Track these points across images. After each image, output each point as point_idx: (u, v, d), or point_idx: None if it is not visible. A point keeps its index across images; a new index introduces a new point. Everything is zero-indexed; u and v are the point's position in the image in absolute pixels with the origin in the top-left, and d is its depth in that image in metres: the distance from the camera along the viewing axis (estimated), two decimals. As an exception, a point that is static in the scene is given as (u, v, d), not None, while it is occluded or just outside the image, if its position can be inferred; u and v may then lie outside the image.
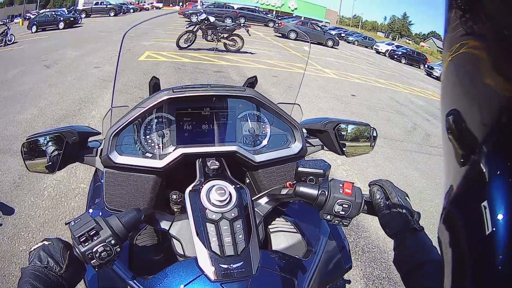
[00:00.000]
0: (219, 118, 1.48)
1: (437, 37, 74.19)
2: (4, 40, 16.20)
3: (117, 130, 1.31)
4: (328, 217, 1.08)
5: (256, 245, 1.07)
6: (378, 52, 35.84)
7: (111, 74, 9.22)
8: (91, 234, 0.93)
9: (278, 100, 1.65)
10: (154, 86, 1.76)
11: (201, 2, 54.51)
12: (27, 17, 30.39)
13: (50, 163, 1.33)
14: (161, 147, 1.41)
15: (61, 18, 24.35)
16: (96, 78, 9.29)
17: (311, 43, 2.20)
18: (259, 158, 1.44)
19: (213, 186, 1.15)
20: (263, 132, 1.54)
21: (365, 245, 3.65)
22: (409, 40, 78.28)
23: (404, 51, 33.68)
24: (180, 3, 61.17)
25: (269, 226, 1.41)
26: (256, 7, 54.27)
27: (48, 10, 32.07)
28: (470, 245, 0.41)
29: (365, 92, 12.17)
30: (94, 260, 0.93)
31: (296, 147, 1.51)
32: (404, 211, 1.06)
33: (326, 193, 1.06)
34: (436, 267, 0.91)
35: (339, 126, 1.59)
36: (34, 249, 0.94)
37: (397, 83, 16.49)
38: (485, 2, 0.39)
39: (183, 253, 1.13)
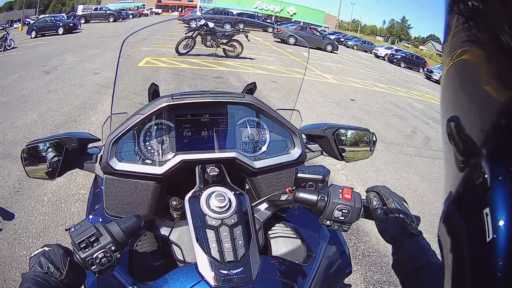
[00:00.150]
0: (218, 124, 1.48)
1: (436, 40, 74.27)
2: (3, 45, 16.26)
3: (117, 136, 1.32)
4: (328, 222, 1.08)
5: (256, 251, 1.07)
6: (377, 56, 35.82)
7: (111, 80, 9.24)
8: (91, 240, 0.94)
9: (278, 105, 1.65)
10: (154, 92, 1.76)
11: (200, 8, 54.69)
12: (26, 22, 30.48)
13: (50, 169, 1.33)
14: (160, 154, 1.41)
15: (60, 24, 24.49)
16: (96, 84, 9.30)
17: (310, 48, 2.20)
18: (258, 164, 1.44)
19: (213, 192, 1.15)
20: (263, 138, 1.54)
21: (365, 249, 3.65)
22: (408, 43, 78.33)
23: (403, 55, 33.67)
24: (179, 9, 61.32)
25: (269, 232, 1.41)
26: (255, 12, 54.52)
27: (47, 15, 32.25)
28: (471, 251, 0.40)
29: (364, 97, 12.18)
30: (94, 266, 0.93)
31: (295, 153, 1.51)
32: (401, 216, 1.06)
33: (326, 198, 1.07)
34: (435, 270, 0.91)
35: (339, 131, 1.59)
36: (35, 254, 0.95)
37: (397, 87, 16.51)
38: (486, 9, 0.39)
39: (183, 259, 1.13)
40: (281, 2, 65.58)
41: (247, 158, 1.44)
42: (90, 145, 1.48)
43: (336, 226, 1.09)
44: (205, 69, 12.10)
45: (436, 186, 5.64)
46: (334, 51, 28.44)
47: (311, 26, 35.28)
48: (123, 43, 1.70)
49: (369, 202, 1.13)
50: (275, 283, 1.07)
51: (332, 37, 37.06)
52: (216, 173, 1.27)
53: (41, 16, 32.65)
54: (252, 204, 1.24)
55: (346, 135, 1.62)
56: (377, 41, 64.73)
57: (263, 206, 1.25)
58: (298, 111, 1.79)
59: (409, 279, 0.96)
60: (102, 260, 0.93)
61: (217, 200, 1.12)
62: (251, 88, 1.82)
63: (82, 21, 31.95)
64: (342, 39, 43.17)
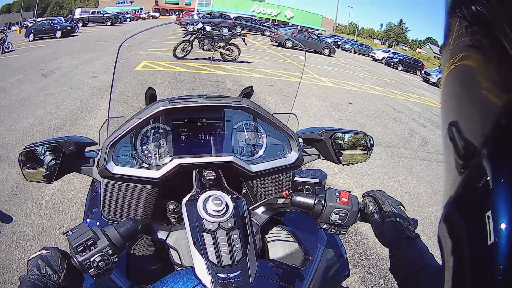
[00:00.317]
0: (215, 128, 1.48)
1: (433, 43, 74.43)
2: (1, 48, 16.30)
3: (114, 140, 1.32)
4: (325, 226, 1.08)
5: (253, 254, 1.07)
6: (374, 60, 35.91)
7: (108, 84, 9.24)
8: (88, 244, 0.94)
9: (275, 109, 1.66)
10: (151, 96, 1.77)
11: (197, 11, 54.72)
12: (24, 25, 30.52)
13: (48, 172, 1.33)
14: (157, 158, 1.41)
15: (58, 27, 24.51)
16: (93, 87, 9.29)
17: (308, 51, 2.21)
18: (255, 168, 1.44)
19: (210, 196, 1.15)
20: (260, 142, 1.54)
21: (363, 252, 3.65)
22: (405, 46, 78.51)
23: (401, 57, 33.82)
24: (177, 13, 61.43)
25: (266, 236, 1.42)
26: (252, 16, 54.70)
27: (45, 18, 32.25)
28: (472, 254, 0.40)
29: (361, 100, 12.20)
30: (92, 270, 0.94)
31: (292, 156, 1.51)
32: (398, 220, 1.06)
33: (323, 202, 1.07)
34: (433, 273, 0.91)
35: (336, 135, 1.59)
36: (32, 258, 0.95)
37: (394, 90, 16.54)
38: (490, 14, 0.38)
39: (180, 263, 1.13)
40: (278, 5, 65.78)
41: (244, 162, 1.44)
42: (87, 149, 1.48)
43: (333, 230, 1.09)
44: (202, 72, 12.10)
45: (434, 189, 5.66)
46: (331, 55, 28.50)
47: (309, 30, 35.44)
48: (120, 47, 1.70)
49: (365, 207, 1.13)
50: (272, 286, 1.07)
51: (330, 40, 37.19)
52: (213, 177, 1.27)
53: (39, 19, 32.61)
54: (249, 208, 1.24)
55: (343, 138, 1.62)
56: (375, 44, 65.04)
57: (260, 210, 1.26)
58: (295, 114, 1.80)
59: (407, 282, 0.96)
60: (100, 264, 0.94)
61: (214, 204, 1.12)
62: (248, 92, 1.82)
63: (80, 24, 31.97)
64: (339, 43, 43.26)
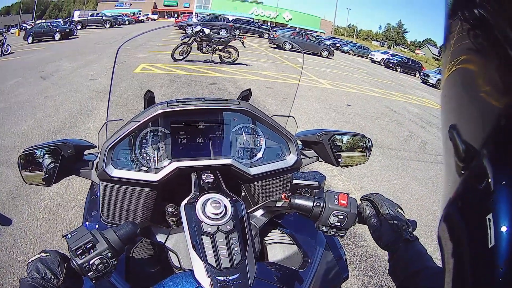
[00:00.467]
0: (213, 131, 1.48)
1: (432, 44, 74.55)
2: (0, 50, 16.30)
3: (112, 144, 1.32)
4: (324, 228, 1.08)
5: (252, 257, 1.07)
6: (373, 61, 35.93)
7: (107, 86, 9.21)
8: (87, 247, 0.94)
9: (274, 111, 1.66)
10: (149, 99, 1.77)
11: (196, 14, 54.78)
12: (23, 28, 30.56)
13: (47, 175, 1.33)
14: (156, 161, 1.41)
15: (57, 29, 24.54)
16: (92, 90, 9.29)
17: (306, 53, 2.22)
18: (254, 170, 1.44)
19: (209, 199, 1.15)
20: (258, 144, 1.54)
21: (363, 254, 3.65)
22: (404, 48, 78.61)
23: (399, 59, 33.77)
24: (175, 15, 61.46)
25: (265, 238, 1.42)
26: (251, 18, 54.61)
27: (44, 21, 32.26)
28: (472, 256, 0.40)
29: (360, 102, 12.21)
30: (91, 273, 0.94)
31: (291, 159, 1.51)
32: (395, 222, 1.06)
33: (321, 204, 1.07)
34: (432, 275, 0.91)
35: (334, 137, 1.59)
36: (32, 260, 0.95)
37: (393, 91, 16.55)
38: (493, 17, 0.38)
39: (179, 266, 1.13)
40: (277, 7, 65.84)
41: (243, 164, 1.44)
42: (86, 152, 1.48)
43: (332, 232, 1.09)
44: (201, 75, 12.10)
45: (433, 190, 5.67)
46: (330, 57, 28.52)
47: (307, 32, 35.44)
48: (118, 50, 1.71)
49: (362, 211, 1.13)
50: None
51: (328, 42, 37.17)
52: (212, 180, 1.27)
53: (37, 22, 32.69)
54: (248, 211, 1.24)
55: (342, 140, 1.62)
56: (373, 46, 65.02)
57: (259, 213, 1.26)
58: (293, 117, 1.80)
59: (406, 284, 0.96)
60: (99, 267, 0.94)
61: (212, 207, 1.12)
62: (246, 95, 1.82)
63: (79, 27, 31.99)
64: (338, 44, 43.32)
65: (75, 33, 26.52)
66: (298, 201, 1.11)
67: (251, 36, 32.16)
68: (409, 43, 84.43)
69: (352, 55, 40.86)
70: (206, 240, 1.06)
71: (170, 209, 1.37)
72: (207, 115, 1.47)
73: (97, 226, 1.38)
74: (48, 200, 4.06)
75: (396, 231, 1.04)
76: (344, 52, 41.43)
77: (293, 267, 1.27)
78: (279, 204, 1.19)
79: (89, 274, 0.94)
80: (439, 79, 23.65)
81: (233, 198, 1.20)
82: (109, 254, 0.96)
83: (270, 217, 1.27)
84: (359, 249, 3.72)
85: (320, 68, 19.21)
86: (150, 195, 1.36)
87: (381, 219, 1.09)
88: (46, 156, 1.34)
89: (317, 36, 36.91)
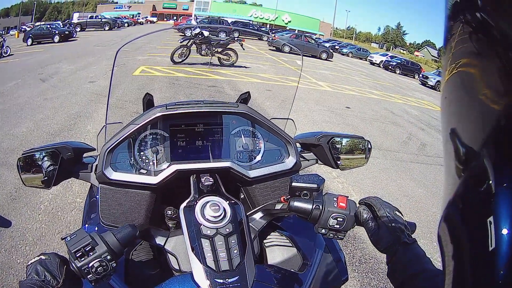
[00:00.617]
0: (212, 134, 1.48)
1: (431, 46, 74.72)
2: (0, 52, 16.27)
3: (111, 146, 1.32)
4: (323, 230, 1.08)
5: (251, 260, 1.07)
6: (372, 63, 35.89)
7: (106, 89, 9.19)
8: (87, 249, 0.95)
9: (273, 114, 1.66)
10: (148, 102, 1.77)
11: (195, 16, 54.83)
12: (22, 30, 30.62)
13: (46, 178, 1.33)
14: (155, 164, 1.41)
15: (56, 32, 24.56)
16: (91, 92, 9.29)
17: (305, 56, 2.22)
18: (253, 173, 1.44)
19: (208, 202, 1.15)
20: (257, 147, 1.54)
21: (362, 256, 3.65)
22: (403, 50, 78.70)
23: (399, 61, 33.71)
24: (175, 18, 61.53)
25: (264, 241, 1.42)
26: (250, 21, 54.81)
27: (43, 23, 32.30)
28: (472, 258, 0.40)
29: (359, 104, 12.22)
30: (91, 275, 0.94)
31: (290, 162, 1.51)
32: (393, 225, 1.06)
33: (321, 207, 1.07)
34: (430, 277, 0.91)
35: (333, 139, 1.59)
36: (31, 263, 0.95)
37: (392, 93, 16.56)
38: (491, 18, 0.38)
39: (178, 268, 1.13)
40: (276, 10, 65.97)
41: (242, 167, 1.43)
42: (85, 155, 1.48)
43: (331, 234, 1.09)
44: (200, 77, 12.11)
45: (433, 192, 5.67)
46: (329, 59, 28.54)
47: (306, 34, 35.36)
48: (117, 53, 1.71)
49: (359, 215, 1.12)
50: None
51: (327, 44, 37.30)
52: (211, 182, 1.27)
53: (37, 24, 32.68)
54: (247, 213, 1.24)
55: (341, 143, 1.62)
56: (372, 48, 65.06)
57: (258, 215, 1.26)
58: (292, 120, 1.80)
59: (405, 286, 0.96)
60: (98, 269, 0.94)
61: (211, 210, 1.12)
62: (245, 98, 1.82)
63: (78, 29, 32.07)
64: (337, 47, 43.38)
65: (74, 35, 26.54)
66: (297, 203, 1.11)
67: (250, 38, 32.14)
68: (408, 45, 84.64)
69: (351, 57, 40.87)
70: (205, 243, 1.06)
71: (169, 211, 1.37)
72: (206, 118, 1.47)
73: (96, 228, 1.38)
74: (48, 203, 4.06)
75: (394, 234, 1.04)
76: (343, 54, 41.47)
77: (292, 270, 1.27)
78: (278, 206, 1.19)
79: (88, 276, 0.94)
80: (438, 81, 23.71)
81: (232, 201, 1.20)
82: (108, 257, 0.96)
83: (269, 219, 1.27)
84: (359, 251, 3.72)
85: (319, 71, 19.23)
86: (149, 197, 1.36)
87: (379, 222, 1.08)
88: (46, 158, 1.34)
89: (316, 38, 37.00)
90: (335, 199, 1.08)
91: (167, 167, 1.37)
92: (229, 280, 1.00)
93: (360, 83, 17.91)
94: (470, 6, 0.42)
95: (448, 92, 0.48)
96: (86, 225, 1.58)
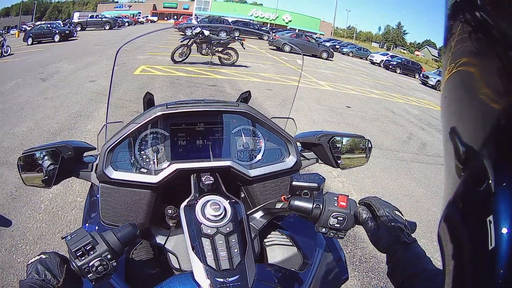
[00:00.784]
0: (213, 133, 1.48)
1: (432, 46, 74.73)
2: (0, 52, 16.30)
3: (112, 146, 1.32)
4: (324, 230, 1.08)
5: (252, 259, 1.07)
6: (372, 63, 35.87)
7: (106, 88, 9.17)
8: (87, 248, 0.95)
9: (273, 113, 1.66)
10: (148, 101, 1.77)
11: (195, 15, 54.83)
12: (23, 29, 30.60)
13: (46, 177, 1.33)
14: (155, 163, 1.40)
15: (57, 31, 24.55)
16: (92, 91, 9.29)
17: (306, 55, 2.22)
18: (253, 172, 1.44)
19: (208, 201, 1.15)
20: (258, 146, 1.54)
21: (362, 256, 3.65)
22: (403, 49, 78.71)
23: (399, 60, 33.70)
24: (175, 17, 61.51)
25: (265, 240, 1.42)
26: (250, 20, 54.82)
27: (43, 22, 32.34)
28: (472, 258, 0.40)
29: (360, 103, 12.21)
30: (91, 274, 0.94)
31: (290, 161, 1.51)
32: (393, 225, 1.05)
33: (321, 206, 1.07)
34: (430, 277, 0.91)
35: (334, 139, 1.59)
36: (32, 262, 0.95)
37: (392, 93, 16.54)
38: (491, 17, 0.38)
39: (179, 267, 1.13)
40: (276, 9, 65.96)
41: (242, 166, 1.43)
42: (86, 154, 1.47)
43: (331, 234, 1.09)
44: (200, 77, 12.10)
45: (433, 191, 5.67)
46: (329, 58, 28.52)
47: (307, 33, 35.38)
48: (118, 52, 1.71)
49: (359, 216, 1.12)
50: None
51: (328, 44, 37.24)
52: (211, 181, 1.27)
53: (37, 23, 32.70)
54: (248, 213, 1.24)
55: (342, 142, 1.61)
56: (373, 47, 65.06)
57: (258, 214, 1.26)
58: (292, 119, 1.80)
59: (405, 286, 0.96)
60: (99, 268, 0.94)
61: (212, 209, 1.12)
62: (245, 97, 1.82)
63: (78, 28, 32.04)
64: (337, 46, 43.38)
65: (74, 35, 26.53)
66: (297, 202, 1.11)
67: (251, 38, 32.12)
68: (408, 44, 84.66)
69: (352, 56, 40.86)
70: (206, 242, 1.06)
71: (170, 211, 1.37)
72: (206, 117, 1.47)
73: (96, 228, 1.38)
74: (48, 202, 4.06)
75: (393, 234, 1.04)
76: (343, 53, 41.47)
77: (292, 269, 1.28)
78: (278, 205, 1.19)
79: (88, 275, 0.94)
80: (438, 81, 23.66)
81: (233, 200, 1.20)
82: (109, 256, 0.96)
83: (270, 218, 1.27)
84: (359, 250, 3.72)
85: (320, 70, 19.21)
86: (150, 197, 1.35)
87: (379, 222, 1.08)
88: (46, 158, 1.33)
89: (316, 37, 36.91)
90: (336, 198, 1.08)
91: (168, 166, 1.37)
92: (230, 279, 1.00)
93: (361, 83, 17.90)
94: (469, 5, 0.42)
95: (448, 91, 0.48)
96: (87, 224, 1.58)
